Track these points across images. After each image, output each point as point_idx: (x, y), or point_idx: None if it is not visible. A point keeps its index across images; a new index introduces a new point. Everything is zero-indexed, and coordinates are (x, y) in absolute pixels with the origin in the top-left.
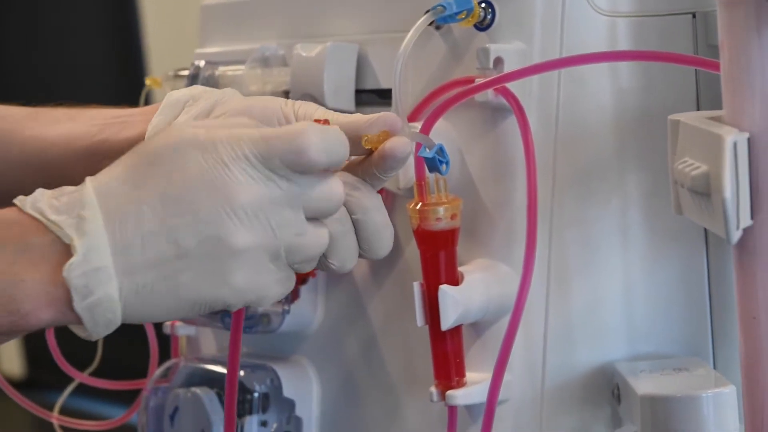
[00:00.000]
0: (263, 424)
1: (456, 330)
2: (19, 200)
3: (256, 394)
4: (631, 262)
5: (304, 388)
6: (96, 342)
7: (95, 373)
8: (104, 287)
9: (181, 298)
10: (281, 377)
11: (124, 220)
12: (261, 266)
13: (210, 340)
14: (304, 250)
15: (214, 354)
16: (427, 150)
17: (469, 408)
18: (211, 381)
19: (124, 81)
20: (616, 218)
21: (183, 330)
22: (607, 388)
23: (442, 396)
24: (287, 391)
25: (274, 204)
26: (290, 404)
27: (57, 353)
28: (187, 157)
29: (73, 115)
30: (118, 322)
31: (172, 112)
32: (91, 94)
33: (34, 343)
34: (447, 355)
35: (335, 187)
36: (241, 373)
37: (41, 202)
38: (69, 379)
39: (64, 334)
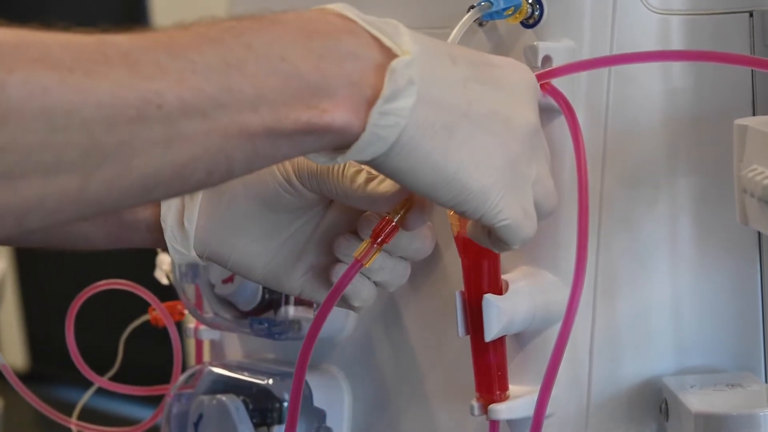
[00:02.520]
0: None
1: (499, 341)
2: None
3: (285, 404)
4: (681, 271)
5: (335, 397)
6: (116, 343)
7: (114, 377)
8: (405, 100)
9: (447, 158)
10: (311, 386)
11: (435, 61)
12: (521, 180)
13: (235, 346)
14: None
15: (239, 360)
16: None
17: (511, 422)
18: (237, 388)
19: None
20: (665, 225)
21: (207, 334)
22: (654, 403)
23: (484, 410)
24: (317, 401)
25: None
26: (320, 414)
27: (76, 355)
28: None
29: None
30: (382, 150)
31: None
32: None
33: (38, 336)
34: (490, 367)
35: None
36: (270, 381)
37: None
38: (74, 373)
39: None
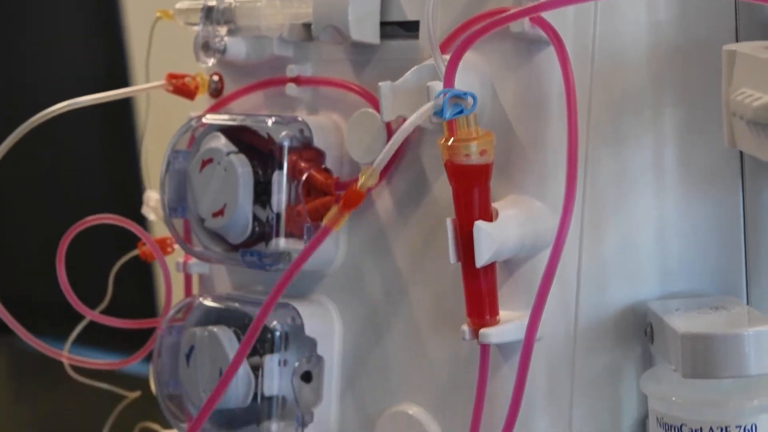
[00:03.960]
0: (283, 363)
1: (490, 267)
2: None
3: (277, 333)
4: (666, 200)
5: (326, 327)
6: (104, 282)
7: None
8: None
9: None
10: (302, 316)
11: None
12: None
13: (225, 279)
14: None
15: (229, 292)
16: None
17: (501, 347)
18: (228, 319)
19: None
20: (651, 154)
21: (196, 268)
22: (640, 328)
23: (475, 334)
24: (309, 330)
25: None
26: (312, 343)
27: (68, 290)
28: None
29: None
30: None
31: None
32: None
33: (4, 292)
34: (481, 292)
35: None
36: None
37: None
38: (64, 328)
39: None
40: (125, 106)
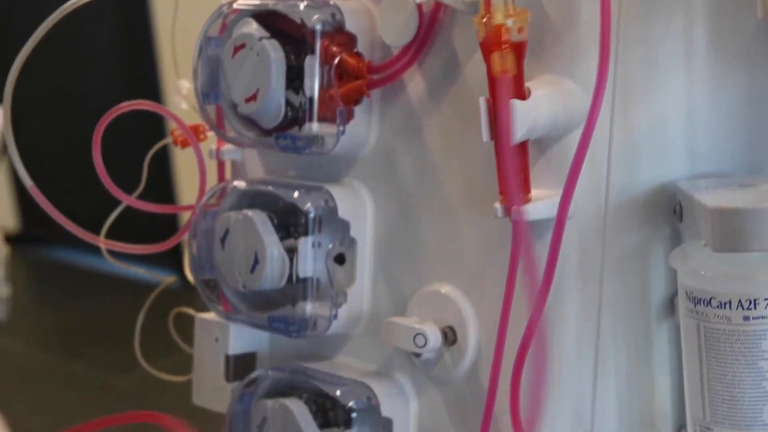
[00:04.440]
0: (317, 245)
1: (522, 145)
2: None
3: (311, 215)
4: (695, 81)
5: (359, 209)
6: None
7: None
8: None
9: None
10: (336, 199)
11: None
12: None
13: (257, 165)
14: None
15: (262, 177)
16: None
17: (533, 225)
18: (262, 203)
19: None
20: (681, 35)
21: (229, 155)
22: (669, 207)
23: (507, 212)
24: (342, 213)
25: None
26: (345, 225)
27: (105, 177)
28: None
29: None
30: None
31: None
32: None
33: (29, 197)
34: (513, 170)
35: None
36: (295, 194)
37: None
38: (68, 234)
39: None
40: None
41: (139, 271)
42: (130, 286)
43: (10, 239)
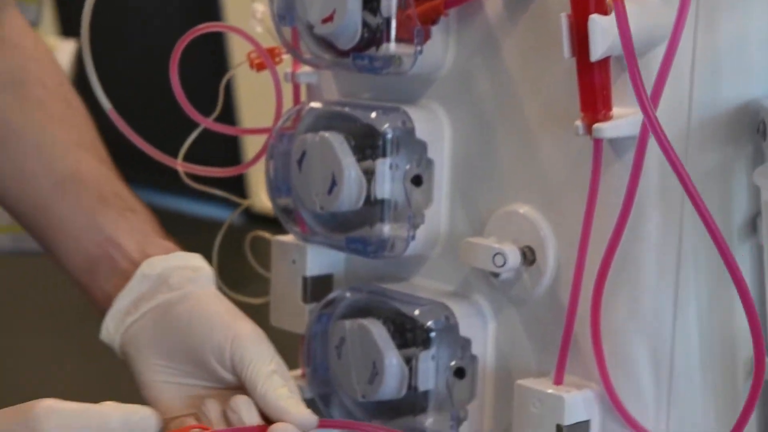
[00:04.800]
0: (395, 166)
1: (604, 62)
2: None
3: (388, 137)
4: None
5: (436, 130)
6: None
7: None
8: None
9: None
10: (413, 119)
11: None
12: None
13: (332, 88)
14: None
15: (338, 99)
16: None
17: (614, 143)
18: (339, 125)
19: None
20: None
21: (305, 77)
22: (752, 125)
23: (588, 129)
24: (419, 134)
25: None
26: (422, 147)
27: (183, 99)
28: None
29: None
30: None
31: (139, 287)
32: None
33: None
34: (594, 87)
35: None
36: (373, 114)
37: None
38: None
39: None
40: None
41: (217, 192)
42: (199, 223)
43: None
